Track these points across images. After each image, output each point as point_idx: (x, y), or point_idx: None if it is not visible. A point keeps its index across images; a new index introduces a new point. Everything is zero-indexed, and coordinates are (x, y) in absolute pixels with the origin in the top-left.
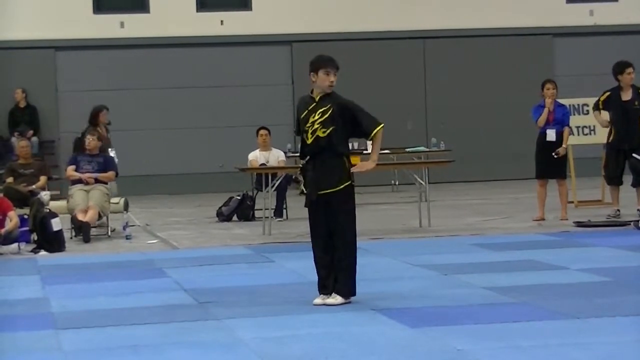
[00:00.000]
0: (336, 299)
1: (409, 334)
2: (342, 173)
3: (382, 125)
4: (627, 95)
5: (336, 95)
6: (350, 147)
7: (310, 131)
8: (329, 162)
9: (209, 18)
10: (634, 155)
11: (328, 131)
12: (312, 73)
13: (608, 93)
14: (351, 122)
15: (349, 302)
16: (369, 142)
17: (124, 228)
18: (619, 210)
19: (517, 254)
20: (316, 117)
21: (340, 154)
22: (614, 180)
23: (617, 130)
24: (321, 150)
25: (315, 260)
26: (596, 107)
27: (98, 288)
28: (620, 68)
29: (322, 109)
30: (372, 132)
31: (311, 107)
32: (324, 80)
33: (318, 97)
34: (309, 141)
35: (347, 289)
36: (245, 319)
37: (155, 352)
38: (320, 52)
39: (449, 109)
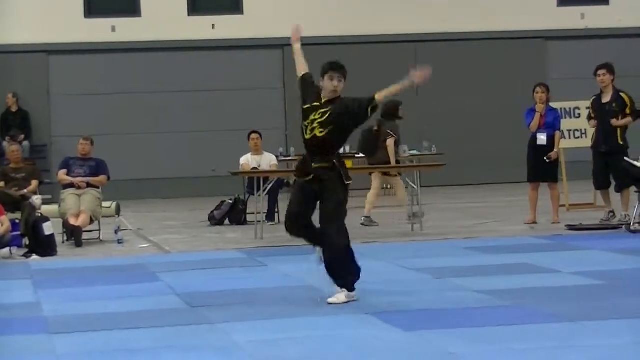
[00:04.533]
0: (339, 297)
1: (403, 337)
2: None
3: (375, 99)
4: (606, 98)
5: (341, 100)
6: (342, 151)
7: (309, 127)
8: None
9: (200, 22)
10: (625, 159)
11: (325, 132)
12: (320, 77)
13: (593, 98)
14: (349, 117)
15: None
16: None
17: (116, 232)
18: (612, 212)
19: (509, 257)
20: (317, 117)
21: (333, 155)
22: (600, 184)
23: (597, 132)
24: (317, 149)
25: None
26: (588, 117)
27: (90, 292)
28: (595, 71)
29: (323, 110)
30: (368, 107)
31: (315, 104)
32: (328, 86)
33: (324, 100)
34: (307, 136)
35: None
36: (239, 323)
37: (148, 357)
38: (311, 55)
39: (441, 113)
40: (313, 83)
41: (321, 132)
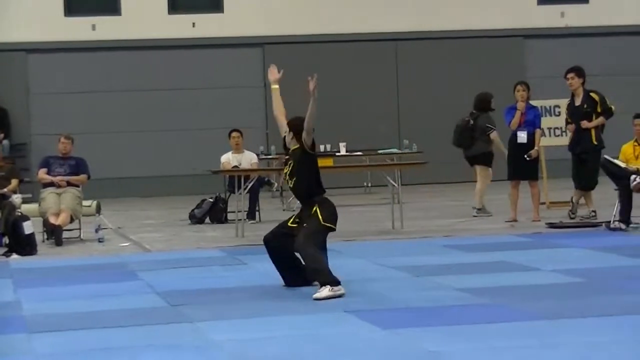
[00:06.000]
0: (322, 291)
1: (381, 336)
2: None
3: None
4: (578, 101)
5: (296, 149)
6: (323, 149)
7: (286, 179)
8: (306, 209)
9: (180, 20)
10: (605, 156)
11: (292, 182)
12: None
13: (568, 102)
14: (305, 165)
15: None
16: (341, 145)
17: (97, 231)
18: (594, 211)
19: (489, 255)
20: (286, 169)
21: (313, 201)
22: (577, 184)
23: (572, 134)
24: (297, 196)
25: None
26: (566, 122)
27: (70, 291)
28: (564, 74)
29: (290, 162)
30: (305, 151)
31: (286, 157)
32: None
33: (291, 150)
34: (289, 186)
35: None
36: (219, 321)
37: (128, 356)
38: (291, 53)
39: (421, 111)
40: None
41: (291, 183)
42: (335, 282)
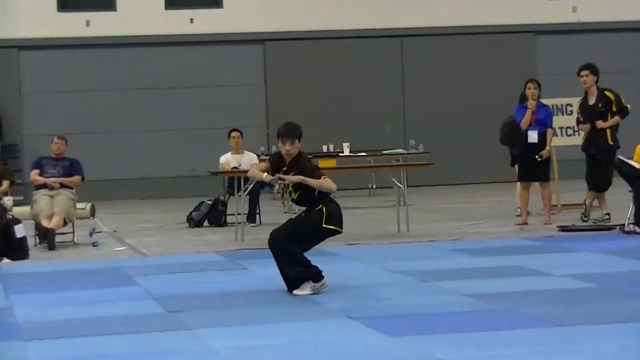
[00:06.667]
0: (304, 288)
1: (388, 343)
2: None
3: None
4: (592, 100)
5: (301, 159)
6: (326, 149)
7: (287, 192)
8: (311, 210)
9: (178, 16)
10: (619, 157)
11: (297, 194)
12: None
13: (580, 101)
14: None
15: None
16: (345, 145)
17: (91, 234)
18: (608, 213)
19: (499, 259)
20: None
21: (319, 206)
22: (591, 186)
23: (586, 134)
24: (303, 205)
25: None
26: (577, 121)
27: (64, 297)
28: (577, 72)
29: (293, 173)
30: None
31: (283, 171)
32: (281, 149)
33: (288, 162)
34: (290, 198)
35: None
36: (217, 328)
37: None
38: (293, 50)
39: (427, 110)
40: (279, 153)
41: (296, 194)
42: (320, 279)
